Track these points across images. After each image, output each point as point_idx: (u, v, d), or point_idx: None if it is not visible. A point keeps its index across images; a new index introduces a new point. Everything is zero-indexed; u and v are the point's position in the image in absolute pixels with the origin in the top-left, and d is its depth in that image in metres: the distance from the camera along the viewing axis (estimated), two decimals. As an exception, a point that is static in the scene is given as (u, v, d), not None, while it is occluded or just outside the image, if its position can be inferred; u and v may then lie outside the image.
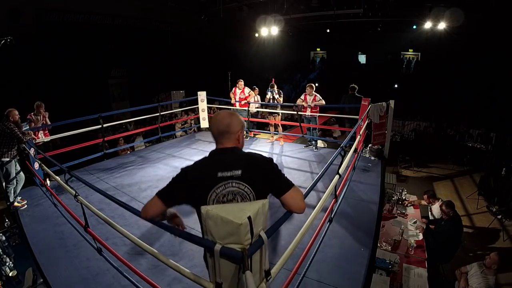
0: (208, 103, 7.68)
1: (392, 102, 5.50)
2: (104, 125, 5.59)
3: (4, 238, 3.47)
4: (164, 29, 11.46)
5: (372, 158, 5.72)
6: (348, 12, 9.69)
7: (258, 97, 7.65)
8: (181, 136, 8.36)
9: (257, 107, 7.46)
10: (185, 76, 12.61)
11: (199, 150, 6.49)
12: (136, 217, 3.59)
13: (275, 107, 6.88)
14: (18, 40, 5.02)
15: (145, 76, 11.91)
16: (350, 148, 4.08)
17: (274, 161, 1.51)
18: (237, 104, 7.15)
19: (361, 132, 5.03)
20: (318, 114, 6.36)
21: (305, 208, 1.48)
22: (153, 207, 1.54)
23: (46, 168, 3.55)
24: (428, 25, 9.35)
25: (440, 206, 4.22)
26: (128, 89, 12.10)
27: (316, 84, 6.44)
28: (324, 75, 16.84)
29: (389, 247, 3.64)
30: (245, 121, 7.28)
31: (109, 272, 2.67)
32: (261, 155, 1.52)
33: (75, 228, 3.27)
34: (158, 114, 6.88)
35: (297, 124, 6.59)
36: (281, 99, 6.87)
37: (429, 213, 4.86)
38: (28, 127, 4.53)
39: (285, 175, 1.49)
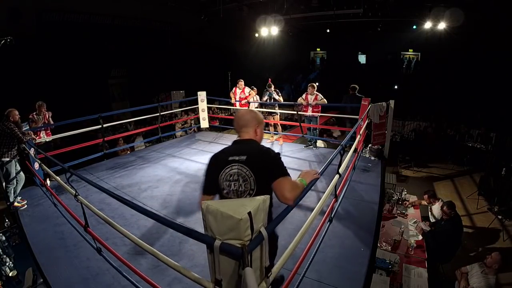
0: (208, 103, 7.68)
1: (392, 102, 5.50)
2: (104, 125, 5.59)
3: (4, 238, 3.47)
4: (164, 29, 11.47)
5: (372, 158, 5.72)
6: (348, 12, 9.69)
7: (257, 97, 7.66)
8: (181, 136, 8.36)
9: (256, 107, 7.46)
10: (185, 76, 12.61)
11: (199, 150, 6.49)
12: (136, 217, 3.62)
13: (273, 106, 6.87)
14: (18, 40, 5.02)
15: (145, 76, 11.91)
16: (350, 148, 4.08)
17: None
18: (237, 104, 7.15)
19: (361, 132, 5.03)
20: (319, 114, 6.37)
21: (291, 199, 1.55)
22: (202, 201, 1.63)
23: (46, 168, 3.55)
24: (428, 25, 9.35)
25: (441, 207, 4.21)
26: (128, 89, 12.11)
27: (317, 84, 6.43)
28: (324, 75, 16.84)
29: (389, 247, 3.64)
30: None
31: (109, 272, 2.67)
32: (270, 149, 1.70)
33: (75, 228, 3.28)
34: (158, 114, 6.89)
35: (297, 124, 6.59)
36: (281, 99, 6.86)
37: (429, 213, 4.87)
38: (28, 127, 4.53)
39: (283, 165, 1.63)
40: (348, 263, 2.84)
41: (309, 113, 6.33)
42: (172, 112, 9.54)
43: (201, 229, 1.39)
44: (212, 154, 1.79)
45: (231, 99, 7.31)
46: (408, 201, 4.93)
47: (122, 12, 9.65)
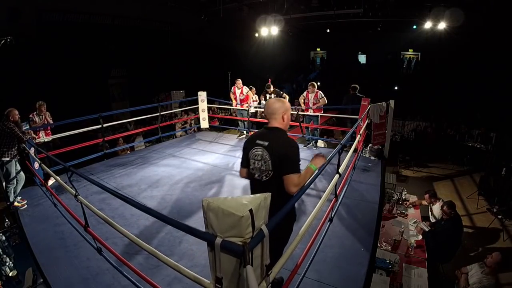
0: (208, 103, 7.68)
1: (392, 102, 5.50)
2: (104, 125, 5.59)
3: (4, 238, 3.47)
4: (164, 29, 11.46)
5: (372, 158, 5.72)
6: (348, 12, 9.69)
7: (256, 96, 7.68)
8: (181, 136, 8.36)
9: (255, 107, 7.47)
10: (185, 76, 12.61)
11: (199, 150, 6.49)
12: (136, 217, 3.62)
13: None
14: (18, 40, 5.02)
15: (145, 76, 11.91)
16: (350, 147, 4.08)
17: None
18: (238, 105, 7.18)
19: (361, 132, 5.03)
20: (320, 113, 6.39)
21: (294, 192, 1.84)
22: (241, 172, 2.18)
23: (46, 168, 3.55)
24: (428, 25, 9.35)
25: (442, 207, 4.21)
26: (128, 89, 12.10)
27: (318, 83, 6.46)
28: (324, 75, 16.84)
29: (389, 247, 3.64)
30: (245, 121, 7.32)
31: (109, 272, 2.67)
32: (292, 140, 2.03)
33: (75, 228, 3.27)
34: (158, 114, 6.89)
35: (297, 124, 6.60)
36: (287, 98, 6.86)
37: (430, 213, 4.86)
38: (28, 126, 4.53)
39: (299, 161, 1.92)
40: (348, 263, 2.83)
41: (310, 112, 6.37)
42: (172, 112, 9.53)
43: (201, 229, 1.39)
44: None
45: (231, 100, 7.33)
46: (408, 201, 4.93)
47: (122, 12, 9.64)
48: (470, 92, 11.57)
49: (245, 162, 2.10)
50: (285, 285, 2.07)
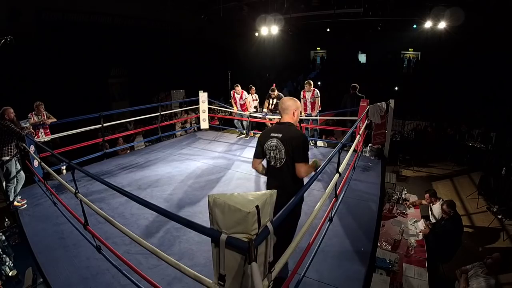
0: (207, 104, 7.69)
1: (392, 102, 5.50)
2: (104, 125, 5.58)
3: (4, 237, 3.47)
4: (164, 28, 11.45)
5: (372, 157, 5.72)
6: (349, 12, 9.69)
7: (256, 95, 7.68)
8: (181, 135, 8.36)
9: (254, 110, 7.48)
10: (185, 75, 12.60)
11: (199, 149, 6.48)
12: (136, 216, 3.62)
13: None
14: (18, 39, 5.01)
15: (145, 76, 11.89)
16: (350, 147, 4.08)
17: None
18: (239, 111, 7.27)
19: (360, 132, 5.03)
20: (318, 115, 6.46)
21: (302, 177, 2.25)
22: (254, 163, 2.46)
23: (46, 166, 3.55)
24: (428, 24, 9.34)
25: (442, 206, 4.21)
26: (128, 88, 12.09)
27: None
28: (324, 75, 16.83)
29: (389, 247, 3.64)
30: (245, 121, 7.33)
31: (109, 271, 2.66)
32: (302, 133, 2.40)
33: (75, 227, 3.27)
34: (158, 114, 6.89)
35: (297, 124, 6.60)
36: None
37: (430, 212, 4.86)
38: (28, 123, 4.51)
39: (308, 150, 2.27)
40: (348, 263, 2.83)
41: (308, 112, 6.40)
42: (172, 112, 9.53)
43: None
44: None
45: (232, 106, 7.45)
46: (408, 200, 4.93)
47: (122, 12, 9.64)
48: (470, 92, 11.57)
49: (259, 154, 2.39)
50: (285, 285, 2.06)
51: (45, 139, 5.01)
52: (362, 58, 17.68)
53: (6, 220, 3.76)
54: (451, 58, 12.54)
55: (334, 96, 7.49)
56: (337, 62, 16.99)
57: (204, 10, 10.03)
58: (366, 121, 5.46)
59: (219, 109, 8.33)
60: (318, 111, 6.49)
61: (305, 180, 2.23)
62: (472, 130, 9.39)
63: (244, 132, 7.50)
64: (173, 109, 9.75)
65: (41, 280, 2.74)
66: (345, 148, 4.71)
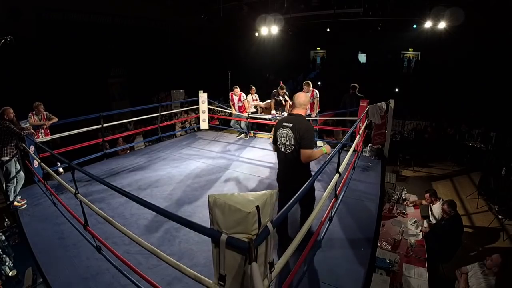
0: (207, 104, 7.70)
1: (392, 102, 5.49)
2: (104, 125, 5.58)
3: (4, 237, 3.47)
4: (164, 28, 11.45)
5: (372, 157, 5.72)
6: (348, 11, 9.68)
7: (256, 95, 7.68)
8: (181, 135, 8.36)
9: (253, 111, 7.47)
10: (185, 75, 12.60)
11: (199, 149, 6.48)
12: (136, 217, 3.62)
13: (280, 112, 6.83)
14: (18, 39, 5.01)
15: (145, 76, 11.89)
16: (350, 147, 4.08)
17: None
18: (238, 112, 7.28)
19: (360, 132, 5.03)
20: (318, 116, 6.45)
21: (304, 162, 2.57)
22: (273, 148, 2.87)
23: (46, 167, 3.54)
24: (428, 24, 9.33)
25: (442, 205, 4.21)
26: (128, 88, 12.09)
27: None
28: (324, 75, 16.83)
29: (389, 247, 3.64)
30: (244, 122, 7.32)
31: (108, 271, 2.66)
32: (310, 124, 2.71)
33: (75, 227, 3.27)
34: (158, 114, 6.89)
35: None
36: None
37: (430, 212, 4.86)
38: (28, 124, 4.51)
39: (314, 140, 2.77)
40: (348, 263, 2.83)
41: (307, 112, 6.39)
42: (172, 112, 9.53)
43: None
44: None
45: (231, 107, 7.44)
46: (408, 200, 4.93)
47: (122, 11, 9.63)
48: (470, 92, 11.57)
49: (275, 140, 2.78)
50: (285, 285, 2.07)
51: (45, 139, 5.01)
52: (362, 58, 17.66)
53: (6, 220, 3.76)
54: (451, 58, 12.53)
55: (334, 96, 7.47)
56: (337, 62, 16.97)
57: (204, 10, 10.02)
58: (366, 121, 5.45)
59: (219, 109, 8.33)
60: (317, 111, 6.49)
61: (312, 166, 2.69)
62: (472, 130, 9.38)
63: (244, 132, 7.50)
64: (173, 109, 9.74)
65: (41, 280, 2.74)
66: (345, 148, 4.71)
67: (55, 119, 5.06)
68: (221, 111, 9.01)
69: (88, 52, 9.57)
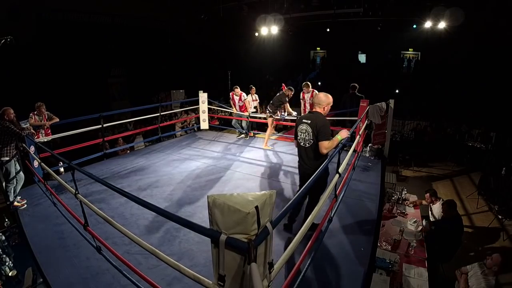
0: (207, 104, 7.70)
1: (392, 102, 5.49)
2: (104, 125, 5.58)
3: (4, 237, 3.47)
4: (164, 28, 11.45)
5: (372, 157, 5.72)
6: (348, 11, 9.68)
7: (256, 95, 7.68)
8: (181, 136, 8.36)
9: (253, 111, 7.47)
10: (185, 75, 12.59)
11: (199, 149, 6.48)
12: (135, 217, 3.62)
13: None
14: (18, 39, 5.01)
15: (145, 75, 11.89)
16: (350, 148, 4.07)
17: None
18: (238, 112, 7.29)
19: (360, 133, 5.02)
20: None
21: (324, 153, 2.82)
22: (295, 142, 3.16)
23: (46, 167, 3.54)
24: (428, 24, 9.34)
25: (442, 205, 4.21)
26: (128, 88, 12.09)
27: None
28: (324, 75, 16.82)
29: (389, 247, 3.64)
30: (244, 122, 7.33)
31: (108, 271, 2.66)
32: (327, 120, 2.93)
33: (74, 227, 3.27)
34: (158, 114, 6.89)
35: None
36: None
37: (429, 212, 4.86)
38: (28, 124, 4.51)
39: (330, 132, 2.87)
40: (348, 263, 2.83)
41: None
42: (172, 112, 9.53)
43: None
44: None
45: (231, 107, 7.47)
46: (408, 200, 4.93)
47: (122, 12, 9.63)
48: (470, 92, 11.56)
49: (296, 135, 3.08)
50: (285, 285, 2.06)
51: (46, 139, 5.01)
52: (362, 58, 17.65)
53: (6, 220, 3.76)
54: (451, 58, 12.53)
55: (334, 96, 7.45)
56: (337, 62, 16.97)
57: (204, 10, 10.02)
58: (366, 121, 5.45)
59: (219, 109, 8.33)
60: None
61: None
62: (472, 130, 9.38)
63: (244, 132, 7.50)
64: (173, 109, 9.74)
65: (41, 280, 2.74)
66: (345, 148, 4.70)
67: (56, 119, 5.06)
68: (221, 111, 9.00)
69: (88, 52, 9.57)
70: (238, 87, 7.12)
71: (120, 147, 7.02)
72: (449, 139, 9.43)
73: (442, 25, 9.05)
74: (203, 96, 7.45)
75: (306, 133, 2.89)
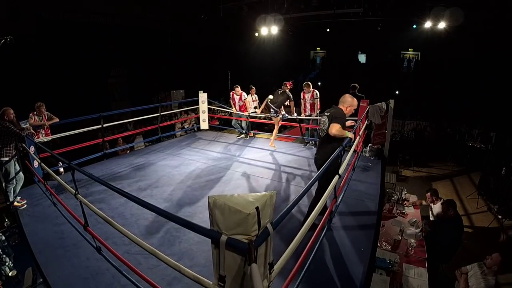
0: (207, 104, 7.70)
1: (392, 102, 5.49)
2: (104, 125, 5.58)
3: (3, 237, 3.47)
4: (164, 28, 11.45)
5: (372, 157, 5.72)
6: (348, 12, 9.68)
7: (256, 96, 7.68)
8: (181, 136, 8.35)
9: (253, 111, 7.46)
10: (185, 75, 12.60)
11: (199, 149, 6.48)
12: (135, 217, 3.62)
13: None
14: (18, 39, 5.01)
15: (145, 76, 11.89)
16: (350, 148, 4.08)
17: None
18: (238, 112, 7.29)
19: (360, 133, 5.03)
20: (318, 116, 6.42)
21: (332, 133, 2.97)
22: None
23: (46, 167, 3.54)
24: (428, 24, 9.34)
25: (442, 205, 4.21)
26: (128, 88, 12.09)
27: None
28: (324, 75, 16.83)
29: (389, 247, 3.64)
30: (244, 122, 7.33)
31: (108, 271, 2.66)
32: (342, 111, 3.17)
33: (74, 227, 3.27)
34: (158, 114, 6.89)
35: (297, 124, 6.60)
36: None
37: (430, 212, 4.86)
38: (28, 124, 4.51)
39: (343, 123, 3.05)
40: (348, 263, 2.83)
41: (308, 112, 6.41)
42: (172, 112, 9.53)
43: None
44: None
45: (231, 106, 7.45)
46: (408, 200, 4.93)
47: (122, 11, 9.63)
48: (469, 92, 11.57)
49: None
50: (284, 285, 2.06)
51: (46, 139, 5.01)
52: (362, 58, 17.66)
53: (6, 220, 3.76)
54: (451, 58, 12.53)
55: (334, 96, 7.45)
56: (337, 62, 16.97)
57: (204, 10, 10.02)
58: (366, 122, 5.46)
59: (219, 109, 8.34)
60: (318, 111, 6.49)
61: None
62: (472, 130, 9.39)
63: (244, 132, 7.50)
64: (173, 110, 9.74)
65: (41, 280, 2.74)
66: (345, 148, 4.70)
67: (56, 119, 5.06)
68: (221, 111, 9.00)
69: (88, 52, 9.57)
70: (238, 87, 7.12)
71: (120, 147, 7.02)
72: (449, 139, 9.43)
73: (442, 25, 9.05)
74: (203, 96, 7.45)
75: (324, 124, 3.13)
